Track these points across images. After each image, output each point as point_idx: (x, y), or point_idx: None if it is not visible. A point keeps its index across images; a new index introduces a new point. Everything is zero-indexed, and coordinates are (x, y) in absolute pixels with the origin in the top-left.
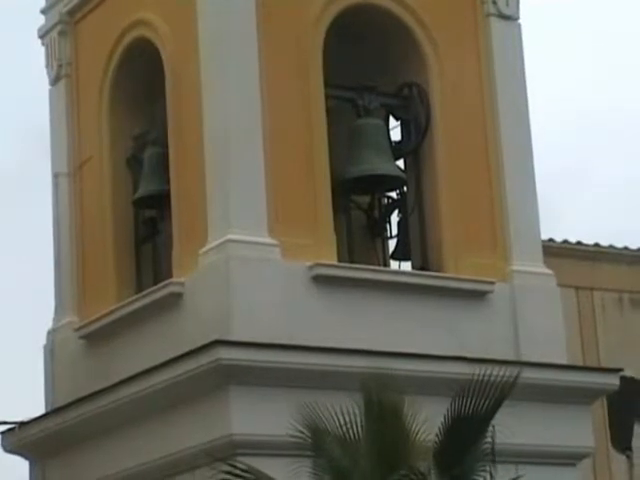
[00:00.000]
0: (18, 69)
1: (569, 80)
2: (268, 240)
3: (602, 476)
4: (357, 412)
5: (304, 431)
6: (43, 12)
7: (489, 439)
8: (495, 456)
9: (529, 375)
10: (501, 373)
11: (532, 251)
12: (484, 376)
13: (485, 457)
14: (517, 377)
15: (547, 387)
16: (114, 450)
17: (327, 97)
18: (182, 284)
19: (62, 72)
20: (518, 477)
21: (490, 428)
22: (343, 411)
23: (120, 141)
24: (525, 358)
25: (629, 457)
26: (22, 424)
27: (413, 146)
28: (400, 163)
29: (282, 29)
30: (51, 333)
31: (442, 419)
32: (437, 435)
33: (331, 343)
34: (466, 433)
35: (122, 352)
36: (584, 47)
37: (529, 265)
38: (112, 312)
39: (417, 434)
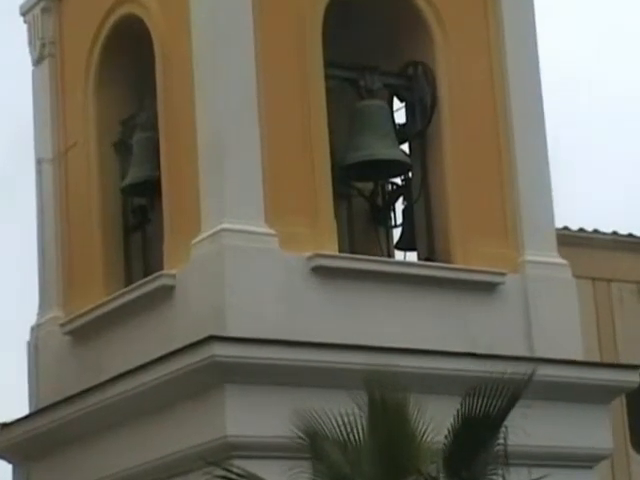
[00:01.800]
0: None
1: (584, 55)
2: (265, 229)
3: (621, 479)
4: (359, 412)
5: (302, 436)
6: None
7: (502, 441)
8: (508, 458)
9: (543, 372)
10: (515, 371)
11: (546, 240)
12: (497, 374)
13: (497, 460)
14: (532, 375)
15: (562, 385)
16: (102, 453)
17: (327, 77)
18: (174, 276)
19: (46, 52)
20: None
21: (503, 429)
22: (344, 412)
23: (107, 125)
24: (538, 354)
25: None
26: (5, 425)
27: (419, 129)
28: (405, 147)
29: (279, 5)
30: (35, 329)
31: (451, 419)
32: (446, 437)
33: (332, 339)
34: (477, 434)
35: (110, 349)
36: (600, 20)
37: (543, 255)
38: (100, 306)
39: (423, 435)
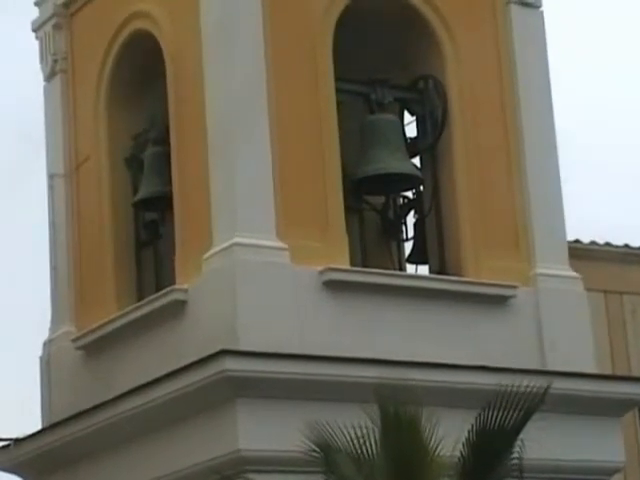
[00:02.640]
0: (10, 64)
1: (595, 71)
2: (276, 243)
3: None
4: (372, 426)
5: (315, 449)
6: (37, 4)
7: (517, 454)
8: (523, 472)
9: (555, 385)
10: (530, 384)
11: (557, 253)
12: (512, 387)
13: (512, 473)
14: (548, 389)
15: (574, 398)
16: (115, 468)
17: (337, 91)
18: (186, 291)
19: (57, 67)
20: None
21: (518, 442)
22: (357, 425)
23: (119, 140)
24: (550, 367)
25: None
26: (17, 441)
27: (429, 143)
28: (416, 161)
29: (289, 19)
30: (47, 344)
31: (464, 433)
32: (461, 450)
33: (344, 352)
34: (492, 448)
35: (123, 364)
36: (611, 36)
37: (554, 268)
38: (112, 321)
39: (436, 449)
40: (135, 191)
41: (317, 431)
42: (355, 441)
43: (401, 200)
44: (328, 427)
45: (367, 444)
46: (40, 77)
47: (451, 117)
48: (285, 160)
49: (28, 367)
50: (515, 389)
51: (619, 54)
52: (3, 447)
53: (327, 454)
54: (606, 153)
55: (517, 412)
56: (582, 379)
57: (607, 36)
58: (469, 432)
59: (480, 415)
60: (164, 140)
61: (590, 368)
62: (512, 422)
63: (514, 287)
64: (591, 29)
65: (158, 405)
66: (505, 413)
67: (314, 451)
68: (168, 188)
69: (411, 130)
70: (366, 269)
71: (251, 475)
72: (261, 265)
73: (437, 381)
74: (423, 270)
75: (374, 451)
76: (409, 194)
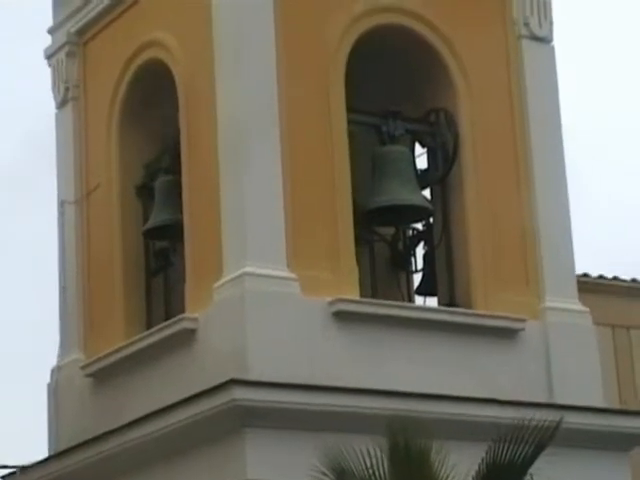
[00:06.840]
0: (23, 91)
1: (607, 105)
2: (286, 274)
3: None
4: (381, 455)
5: (328, 473)
6: (50, 32)
7: None
8: None
9: (563, 419)
10: (542, 418)
11: (566, 287)
12: (523, 421)
13: None
14: (560, 423)
15: (582, 432)
16: None
17: (349, 123)
18: (195, 320)
19: (69, 95)
20: None
21: (528, 477)
22: (368, 454)
23: (130, 168)
24: (559, 400)
25: None
26: (24, 468)
27: (440, 175)
28: (426, 193)
29: (302, 50)
30: (55, 371)
31: (472, 465)
32: None
33: (353, 383)
34: None
35: (131, 392)
36: (622, 71)
37: (563, 302)
38: (121, 349)
39: None
40: (145, 220)
41: (330, 454)
42: (367, 469)
43: (411, 232)
44: (342, 450)
45: (378, 473)
46: (52, 104)
47: (462, 150)
48: (296, 190)
49: (36, 394)
50: (526, 423)
51: (630, 87)
52: (9, 475)
53: (340, 478)
54: (613, 186)
55: (528, 446)
56: (590, 413)
57: (618, 69)
58: (480, 465)
59: (491, 448)
60: (175, 169)
61: (598, 402)
62: (523, 456)
63: (523, 320)
64: (601, 62)
65: (166, 434)
66: (516, 447)
67: (327, 475)
68: (179, 217)
69: (422, 162)
70: (375, 300)
71: None
72: (271, 295)
73: (446, 413)
74: (432, 302)
75: (385, 478)
76: (419, 226)
